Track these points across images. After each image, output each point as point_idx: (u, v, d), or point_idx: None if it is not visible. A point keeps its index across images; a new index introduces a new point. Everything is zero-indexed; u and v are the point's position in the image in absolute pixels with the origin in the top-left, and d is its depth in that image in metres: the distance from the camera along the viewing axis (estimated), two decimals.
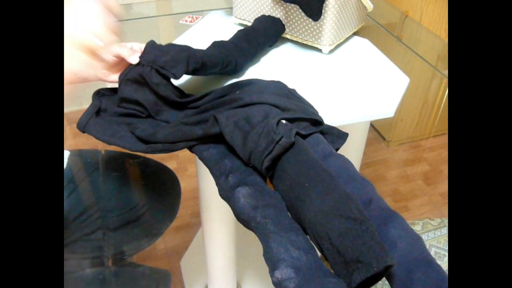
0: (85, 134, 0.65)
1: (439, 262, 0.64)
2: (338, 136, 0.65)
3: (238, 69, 0.79)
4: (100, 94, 0.69)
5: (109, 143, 0.64)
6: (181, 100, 0.67)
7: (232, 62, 0.75)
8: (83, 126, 0.65)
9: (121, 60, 0.65)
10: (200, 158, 0.63)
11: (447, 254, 0.89)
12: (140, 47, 0.66)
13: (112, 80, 0.66)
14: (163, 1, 1.35)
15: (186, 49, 0.68)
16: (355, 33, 0.99)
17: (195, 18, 1.03)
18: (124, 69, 0.65)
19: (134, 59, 0.63)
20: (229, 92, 0.69)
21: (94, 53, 0.55)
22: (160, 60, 0.63)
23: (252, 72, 0.78)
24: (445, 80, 1.62)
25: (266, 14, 0.92)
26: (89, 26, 0.53)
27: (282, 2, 0.88)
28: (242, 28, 0.88)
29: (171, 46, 0.68)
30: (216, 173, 0.59)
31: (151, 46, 0.66)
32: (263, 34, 0.87)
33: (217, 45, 0.76)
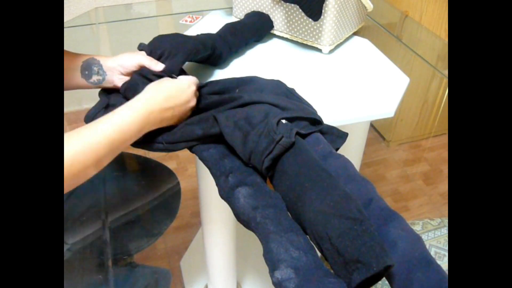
0: None
1: (439, 262, 0.64)
2: (338, 136, 0.65)
3: (222, 60, 0.81)
4: (107, 92, 0.71)
5: None
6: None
7: (216, 51, 0.78)
8: (90, 119, 0.65)
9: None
10: (200, 158, 0.63)
11: (447, 254, 0.89)
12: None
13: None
14: (163, 1, 1.35)
15: (179, 45, 0.71)
16: (355, 33, 0.99)
17: (195, 18, 1.03)
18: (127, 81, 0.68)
19: (159, 67, 0.69)
20: (229, 88, 0.69)
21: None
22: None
23: (252, 72, 0.78)
24: (445, 80, 1.62)
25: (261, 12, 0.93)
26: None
27: (282, 2, 0.88)
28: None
29: (167, 41, 0.71)
30: (216, 173, 0.59)
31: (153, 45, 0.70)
32: (250, 28, 0.88)
33: (202, 36, 0.79)
